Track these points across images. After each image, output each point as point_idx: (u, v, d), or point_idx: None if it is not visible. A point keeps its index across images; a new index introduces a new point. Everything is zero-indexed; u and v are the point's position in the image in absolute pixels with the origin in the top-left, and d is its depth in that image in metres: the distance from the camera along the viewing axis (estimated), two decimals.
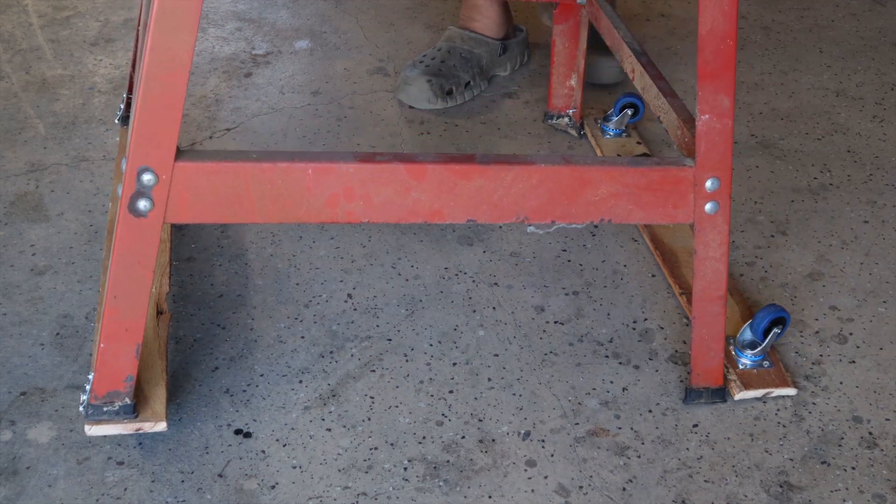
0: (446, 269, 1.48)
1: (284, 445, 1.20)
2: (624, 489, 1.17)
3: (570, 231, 1.57)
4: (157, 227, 1.07)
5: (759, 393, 1.29)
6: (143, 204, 1.05)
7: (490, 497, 1.15)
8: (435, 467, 1.18)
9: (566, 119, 1.81)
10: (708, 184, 1.18)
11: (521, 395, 1.28)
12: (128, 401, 1.14)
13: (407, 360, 1.32)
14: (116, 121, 1.76)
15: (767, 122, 1.87)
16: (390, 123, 1.82)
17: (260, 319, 1.37)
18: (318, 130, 1.79)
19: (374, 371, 1.31)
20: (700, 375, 1.27)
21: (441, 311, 1.41)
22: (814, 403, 1.29)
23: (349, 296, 1.42)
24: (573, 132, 1.81)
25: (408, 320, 1.39)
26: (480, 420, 1.25)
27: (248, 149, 1.72)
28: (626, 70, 1.47)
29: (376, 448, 1.20)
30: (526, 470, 1.19)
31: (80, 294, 1.39)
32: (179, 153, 1.05)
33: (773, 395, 1.29)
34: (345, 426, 1.23)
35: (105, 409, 1.14)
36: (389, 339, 1.36)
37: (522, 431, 1.23)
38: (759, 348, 1.30)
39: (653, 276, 1.49)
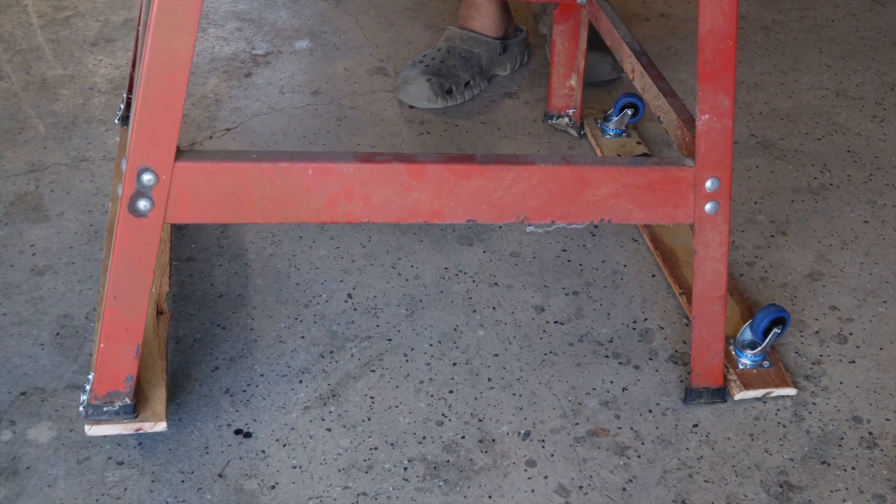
0: (446, 269, 1.48)
1: (284, 445, 1.20)
2: (624, 489, 1.17)
3: (570, 231, 1.57)
4: (157, 227, 1.07)
5: (759, 393, 1.29)
6: (143, 204, 1.05)
7: (490, 497, 1.15)
8: (435, 467, 1.18)
9: (566, 119, 1.81)
10: (708, 184, 1.18)
11: (521, 395, 1.28)
12: (128, 401, 1.14)
13: (407, 360, 1.32)
14: (116, 121, 1.76)
15: (767, 122, 1.87)
16: (390, 123, 1.82)
17: (260, 319, 1.37)
18: (318, 130, 1.79)
19: (374, 371, 1.31)
20: (700, 375, 1.27)
21: (441, 311, 1.41)
22: (814, 403, 1.29)
23: (349, 296, 1.42)
24: (573, 132, 1.81)
25: (408, 320, 1.39)
26: (480, 420, 1.25)
27: (248, 149, 1.73)
28: (626, 70, 1.47)
29: (376, 448, 1.20)
30: (526, 470, 1.19)
31: (80, 294, 1.39)
32: (179, 153, 1.05)
33: (773, 395, 1.29)
34: (345, 426, 1.23)
35: (105, 409, 1.14)
36: (389, 339, 1.36)
37: (522, 431, 1.23)
38: (759, 348, 1.30)
39: (653, 276, 1.49)
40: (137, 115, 1.02)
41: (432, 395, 1.28)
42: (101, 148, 1.69)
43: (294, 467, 1.17)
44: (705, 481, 1.18)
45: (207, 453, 1.18)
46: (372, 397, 1.27)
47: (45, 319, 1.35)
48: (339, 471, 1.17)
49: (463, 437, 1.22)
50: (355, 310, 1.40)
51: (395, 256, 1.50)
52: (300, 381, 1.28)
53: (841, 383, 1.32)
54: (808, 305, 1.45)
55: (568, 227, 1.57)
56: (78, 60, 1.95)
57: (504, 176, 1.13)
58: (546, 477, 1.18)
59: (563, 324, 1.40)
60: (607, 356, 1.35)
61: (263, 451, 1.19)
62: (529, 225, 1.57)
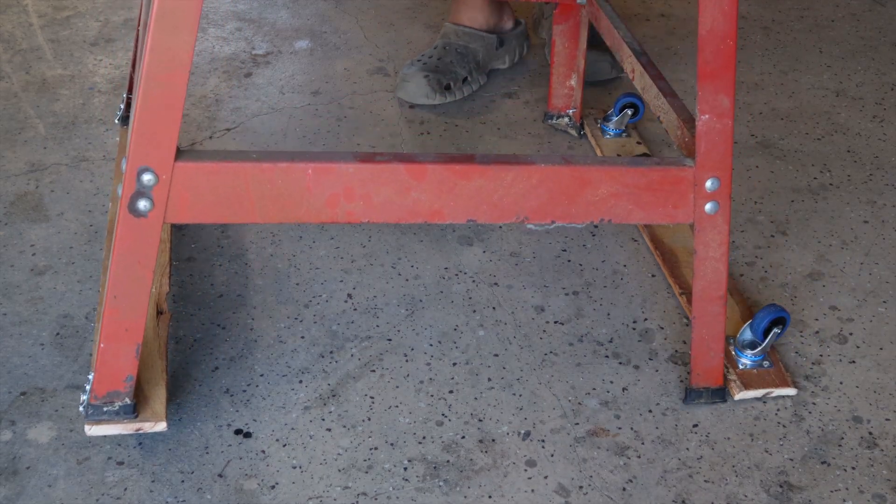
0: (446, 269, 1.48)
1: (284, 445, 1.20)
2: (624, 489, 1.17)
3: (570, 231, 1.57)
4: (157, 227, 1.07)
5: (759, 393, 1.29)
6: (143, 204, 1.05)
7: (490, 497, 1.15)
8: (435, 467, 1.18)
9: (566, 119, 1.81)
10: (708, 184, 1.18)
11: (521, 395, 1.28)
12: (128, 401, 1.14)
13: (407, 360, 1.32)
14: (116, 121, 1.76)
15: (767, 122, 1.87)
16: (390, 123, 1.82)
17: (260, 319, 1.37)
18: (318, 130, 1.79)
19: (374, 371, 1.31)
20: (700, 375, 1.27)
21: (441, 311, 1.41)
22: (814, 403, 1.29)
23: (349, 296, 1.42)
24: (573, 132, 1.81)
25: (408, 320, 1.39)
26: (480, 420, 1.25)
27: (248, 149, 1.73)
28: (626, 70, 1.47)
29: (376, 448, 1.20)
30: (526, 470, 1.18)
31: (80, 294, 1.39)
32: (179, 153, 1.05)
33: (773, 395, 1.29)
34: (345, 426, 1.23)
35: (105, 409, 1.14)
36: (389, 339, 1.36)
37: (522, 431, 1.23)
38: (759, 348, 1.30)
39: (653, 276, 1.49)
40: (137, 115, 1.02)
41: (432, 395, 1.28)
42: (101, 148, 1.69)
43: (294, 467, 1.17)
44: (705, 481, 1.18)
45: (207, 453, 1.18)
46: (372, 397, 1.27)
47: (45, 319, 1.35)
48: (339, 471, 1.17)
49: (463, 437, 1.22)
50: (355, 310, 1.40)
51: (395, 256, 1.50)
52: (300, 381, 1.28)
53: (841, 383, 1.32)
54: (808, 305, 1.45)
55: (568, 226, 1.57)
56: (78, 60, 1.95)
57: (504, 176, 1.13)
58: (546, 477, 1.18)
59: (563, 324, 1.40)
60: (607, 356, 1.35)
61: (263, 451, 1.19)
62: (529, 224, 1.57)
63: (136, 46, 1.59)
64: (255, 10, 2.18)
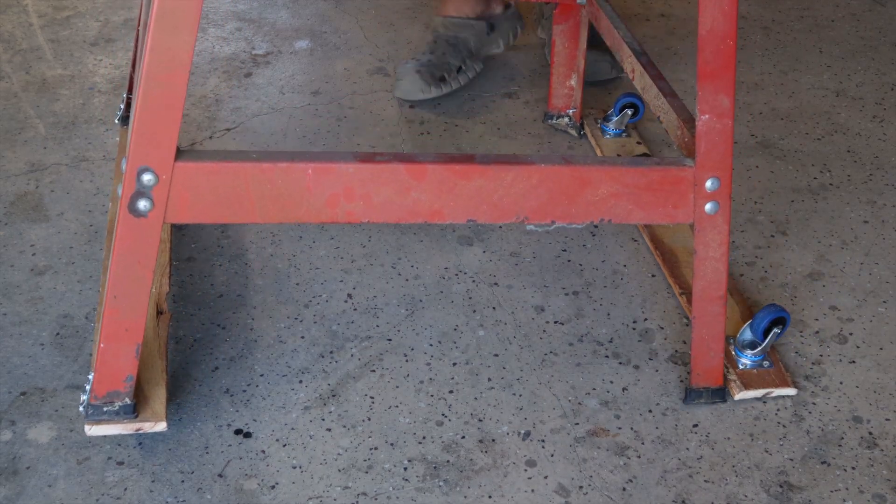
0: (446, 269, 1.48)
1: (284, 445, 1.20)
2: (624, 489, 1.17)
3: (570, 231, 1.57)
4: (157, 227, 1.07)
5: (759, 393, 1.29)
6: (143, 204, 1.05)
7: (490, 497, 1.15)
8: (435, 467, 1.18)
9: (566, 119, 1.81)
10: (708, 184, 1.18)
11: (521, 395, 1.28)
12: (128, 401, 1.14)
13: (407, 360, 1.32)
14: (116, 121, 1.76)
15: (767, 122, 1.87)
16: (390, 123, 1.82)
17: (260, 319, 1.37)
18: (318, 130, 1.79)
19: (374, 371, 1.31)
20: (700, 375, 1.27)
21: (441, 311, 1.41)
22: (814, 403, 1.29)
23: (349, 296, 1.42)
24: (573, 132, 1.81)
25: (408, 320, 1.39)
26: (480, 420, 1.25)
27: (248, 149, 1.73)
28: (626, 70, 1.47)
29: (376, 448, 1.20)
30: (526, 470, 1.18)
31: (80, 294, 1.39)
32: (179, 153, 1.05)
33: (773, 395, 1.29)
34: (345, 426, 1.23)
35: (105, 409, 1.14)
36: (389, 339, 1.36)
37: (522, 431, 1.23)
38: (759, 348, 1.30)
39: (653, 276, 1.49)
40: (137, 115, 1.02)
41: (432, 395, 1.28)
42: (101, 148, 1.69)
43: (294, 467, 1.17)
44: (705, 481, 1.18)
45: (207, 453, 1.18)
46: (372, 397, 1.27)
47: (45, 319, 1.35)
48: (339, 471, 1.17)
49: (463, 437, 1.22)
50: (355, 310, 1.40)
51: (395, 256, 1.50)
52: (300, 381, 1.28)
53: (841, 383, 1.32)
54: (808, 305, 1.45)
55: (568, 226, 1.57)
56: (78, 60, 1.95)
57: (504, 176, 1.13)
58: (546, 477, 1.18)
59: (563, 324, 1.40)
60: (607, 356, 1.35)
61: (263, 451, 1.19)
62: (529, 224, 1.57)
63: (136, 46, 1.59)
64: (255, 10, 2.18)
